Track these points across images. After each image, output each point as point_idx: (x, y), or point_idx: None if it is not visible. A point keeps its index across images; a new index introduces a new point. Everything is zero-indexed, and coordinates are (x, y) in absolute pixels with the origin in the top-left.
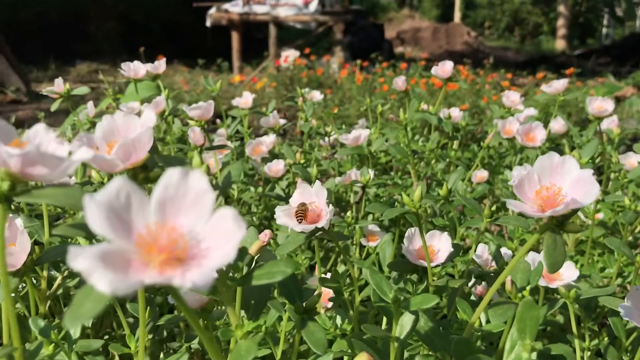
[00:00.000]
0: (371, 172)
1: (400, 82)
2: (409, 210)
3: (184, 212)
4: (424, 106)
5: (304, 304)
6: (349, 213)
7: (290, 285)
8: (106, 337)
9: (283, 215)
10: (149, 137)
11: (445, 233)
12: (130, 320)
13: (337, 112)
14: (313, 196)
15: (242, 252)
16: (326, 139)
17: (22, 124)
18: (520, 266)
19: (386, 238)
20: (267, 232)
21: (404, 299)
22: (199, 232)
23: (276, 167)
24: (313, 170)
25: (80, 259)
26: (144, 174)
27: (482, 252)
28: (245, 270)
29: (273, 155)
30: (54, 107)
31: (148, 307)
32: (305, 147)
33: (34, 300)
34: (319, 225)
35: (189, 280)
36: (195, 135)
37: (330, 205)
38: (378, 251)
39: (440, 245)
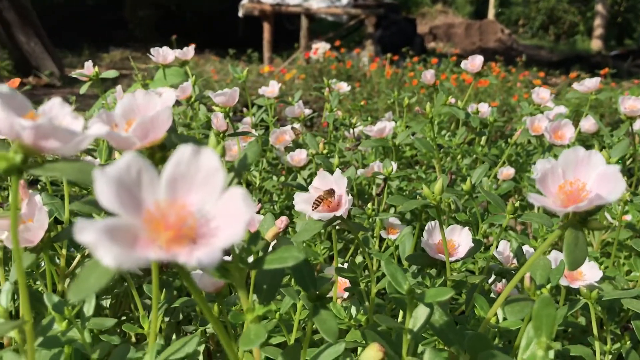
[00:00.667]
0: (394, 165)
1: (429, 75)
2: (429, 203)
3: (194, 190)
4: (452, 100)
5: (317, 292)
6: (369, 205)
7: (304, 272)
8: (124, 318)
9: (301, 202)
10: (167, 116)
11: (466, 228)
12: (148, 302)
13: (365, 105)
14: (333, 184)
15: (256, 235)
16: (351, 130)
17: None
18: (540, 263)
19: (406, 231)
20: (284, 218)
21: (419, 291)
22: (208, 211)
23: (298, 157)
24: (335, 161)
25: (86, 232)
26: (161, 154)
27: (504, 249)
28: (259, 254)
29: (297, 144)
30: (83, 89)
31: (164, 290)
32: (330, 137)
33: (52, 277)
34: (338, 213)
35: (196, 258)
36: (218, 121)
37: (350, 194)
38: (397, 244)
39: (461, 240)
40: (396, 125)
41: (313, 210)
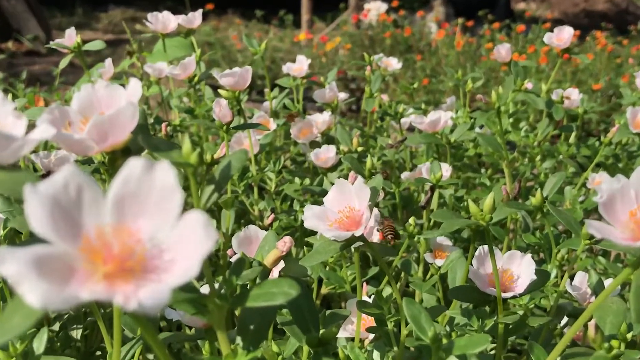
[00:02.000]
0: (446, 169)
1: (503, 51)
2: (475, 223)
3: (146, 214)
4: (529, 84)
5: (319, 335)
6: (411, 220)
7: (304, 309)
8: (99, 353)
9: (313, 217)
10: (131, 114)
11: (528, 255)
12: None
13: (426, 86)
14: (353, 196)
15: (239, 264)
16: (399, 121)
17: (36, 81)
18: (613, 307)
19: (455, 255)
20: (287, 239)
21: (447, 339)
22: (162, 240)
23: (325, 155)
24: (368, 163)
25: (8, 263)
26: (124, 160)
27: (581, 283)
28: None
29: (328, 139)
30: (62, 64)
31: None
32: (368, 130)
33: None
34: (357, 233)
35: (136, 300)
36: (222, 109)
37: (376, 209)
38: (444, 272)
39: (521, 270)
40: (456, 115)
41: (389, 239)
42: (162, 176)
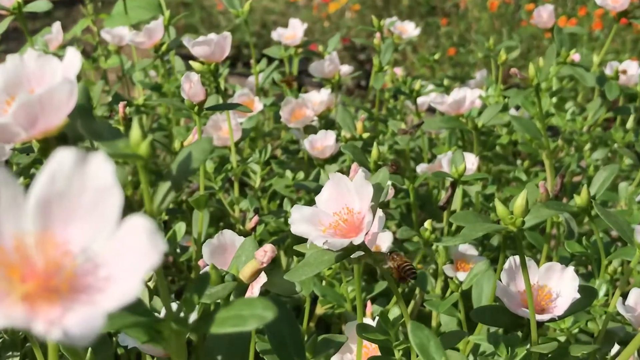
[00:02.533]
0: (472, 160)
1: (545, 14)
2: (504, 229)
3: (77, 220)
4: (576, 56)
5: None
6: (427, 224)
7: (286, 335)
8: None
9: (302, 221)
10: (68, 92)
11: (570, 268)
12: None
13: (454, 56)
14: (352, 195)
15: (203, 279)
16: (414, 101)
17: None
18: None
19: (480, 268)
20: (268, 247)
21: None
22: (97, 252)
23: (322, 143)
24: (373, 153)
25: None
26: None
27: (637, 303)
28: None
29: (328, 123)
30: (1, 27)
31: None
32: (377, 112)
33: None
34: (356, 241)
35: (61, 327)
36: (192, 87)
37: (381, 211)
38: (467, 288)
39: (561, 287)
40: (487, 94)
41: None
42: (97, 172)
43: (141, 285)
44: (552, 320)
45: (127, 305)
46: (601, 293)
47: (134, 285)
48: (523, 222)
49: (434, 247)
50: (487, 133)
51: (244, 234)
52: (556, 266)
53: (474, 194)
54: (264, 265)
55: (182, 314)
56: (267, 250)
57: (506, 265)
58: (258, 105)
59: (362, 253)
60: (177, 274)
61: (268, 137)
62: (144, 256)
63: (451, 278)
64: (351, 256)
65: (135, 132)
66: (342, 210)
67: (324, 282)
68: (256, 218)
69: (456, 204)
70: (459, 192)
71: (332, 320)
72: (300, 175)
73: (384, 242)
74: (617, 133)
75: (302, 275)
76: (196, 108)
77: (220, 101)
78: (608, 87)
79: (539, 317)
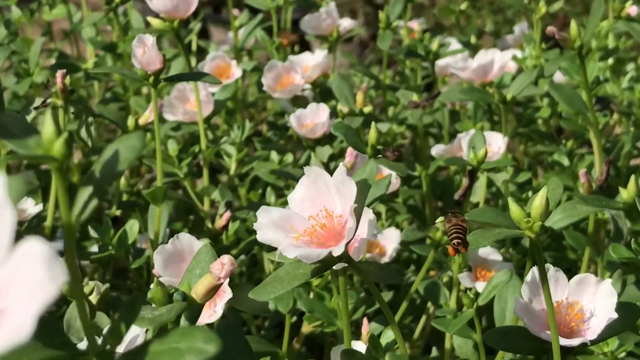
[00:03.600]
0: (500, 141)
1: None
2: (519, 234)
3: None
4: (632, 9)
5: None
6: (438, 222)
7: None
8: None
9: (270, 226)
10: None
11: (608, 282)
12: None
13: (492, 3)
14: (332, 194)
15: (133, 302)
16: (432, 63)
17: None
18: None
19: (501, 278)
20: (226, 260)
21: None
22: None
23: (312, 120)
24: (371, 133)
25: None
26: None
27: None
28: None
29: (323, 92)
30: None
31: None
32: (384, 79)
33: None
34: (335, 251)
35: None
36: (147, 52)
37: (371, 213)
38: (483, 303)
39: (595, 304)
40: (523, 56)
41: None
42: None
43: (33, 323)
44: (583, 344)
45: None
46: None
47: (25, 323)
48: (543, 227)
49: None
50: (524, 104)
51: (213, 233)
52: (590, 279)
53: (502, 183)
54: (222, 281)
55: (107, 347)
56: (224, 263)
57: (528, 277)
58: (236, 70)
59: (345, 265)
60: (131, 285)
61: (253, 109)
62: (38, 289)
63: (468, 289)
64: (333, 268)
65: (48, 128)
66: (320, 213)
67: (311, 294)
68: (228, 214)
69: (479, 195)
70: (482, 180)
71: (325, 339)
72: (289, 157)
73: (391, 242)
74: None
75: (271, 293)
76: (151, 79)
77: (187, 69)
78: None
79: (566, 342)
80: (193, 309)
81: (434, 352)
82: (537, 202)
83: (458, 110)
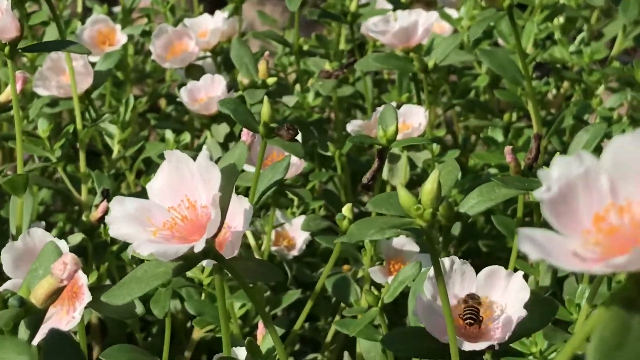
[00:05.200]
0: (420, 115)
1: None
2: (407, 224)
3: None
4: None
5: None
6: (345, 209)
7: None
8: None
9: (124, 219)
10: None
11: (519, 274)
12: None
13: None
14: (195, 182)
15: None
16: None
17: None
18: None
19: (407, 273)
20: (69, 258)
21: None
22: None
23: (207, 93)
24: (264, 109)
25: None
26: None
27: None
28: None
29: (226, 61)
30: None
31: None
32: (297, 45)
33: None
34: (197, 246)
35: None
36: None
37: (246, 201)
38: (389, 300)
39: (506, 300)
40: (459, 16)
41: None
42: None
43: None
44: (491, 348)
45: None
46: (582, 301)
47: None
48: (434, 215)
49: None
50: (461, 72)
51: (89, 227)
52: (500, 272)
53: (423, 163)
54: (64, 283)
55: None
56: (67, 262)
57: (430, 272)
58: (121, 36)
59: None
60: None
61: (150, 79)
62: None
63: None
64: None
65: None
66: (182, 203)
67: (202, 295)
68: (104, 204)
69: (400, 177)
70: (403, 160)
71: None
72: (186, 137)
73: (302, 233)
74: (639, 69)
75: (127, 295)
76: (6, 49)
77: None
78: (624, 4)
79: (470, 346)
80: (33, 315)
81: (347, 357)
82: (428, 186)
83: (386, 80)
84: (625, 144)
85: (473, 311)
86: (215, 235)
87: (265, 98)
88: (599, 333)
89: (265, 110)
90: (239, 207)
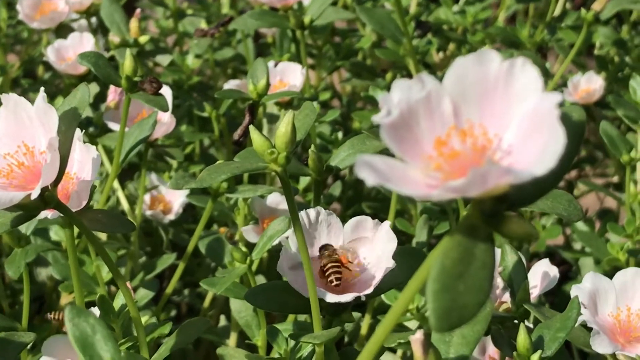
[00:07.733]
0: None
1: None
2: (262, 168)
3: None
4: None
5: None
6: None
7: None
8: None
9: None
10: None
11: (386, 224)
12: None
13: None
14: (35, 127)
15: None
16: None
17: None
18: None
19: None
20: None
21: None
22: None
23: (76, 52)
24: (126, 63)
25: None
26: None
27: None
28: None
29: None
30: None
31: None
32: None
33: None
34: (34, 193)
35: None
36: None
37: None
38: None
39: (373, 251)
40: None
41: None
42: None
43: None
44: (358, 299)
45: None
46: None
47: None
48: (288, 159)
49: (224, 199)
50: (345, 34)
51: None
52: (366, 222)
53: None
54: None
55: None
56: None
57: (303, 213)
58: None
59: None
60: None
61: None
62: None
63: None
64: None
65: None
66: (20, 149)
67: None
68: None
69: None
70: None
71: None
72: (60, 101)
73: (178, 196)
74: (523, 30)
75: None
76: None
77: None
78: None
79: (334, 298)
80: None
81: (223, 321)
82: (282, 129)
83: (270, 44)
84: (468, 65)
85: (334, 262)
86: (57, 182)
87: (128, 51)
88: (440, 262)
89: (127, 63)
90: (87, 156)
